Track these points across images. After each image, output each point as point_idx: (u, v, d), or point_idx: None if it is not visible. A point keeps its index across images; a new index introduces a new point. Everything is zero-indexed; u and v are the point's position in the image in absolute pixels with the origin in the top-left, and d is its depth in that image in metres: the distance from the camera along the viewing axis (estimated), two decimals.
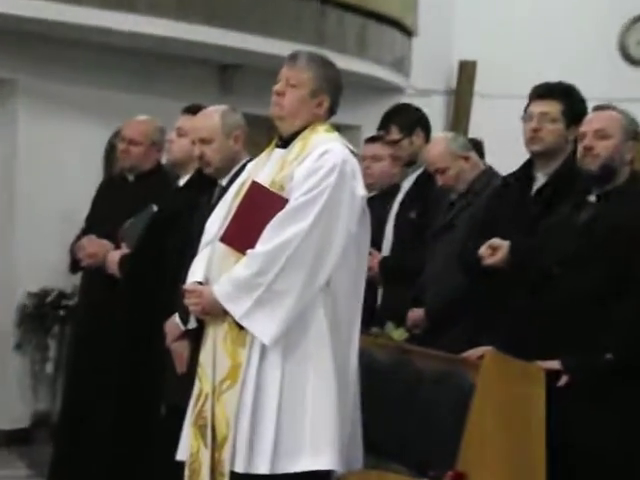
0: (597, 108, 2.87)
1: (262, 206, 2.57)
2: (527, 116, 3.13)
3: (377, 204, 4.13)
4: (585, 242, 2.72)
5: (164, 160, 4.08)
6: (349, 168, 2.60)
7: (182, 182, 3.79)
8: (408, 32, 6.90)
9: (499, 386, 2.65)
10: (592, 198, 2.82)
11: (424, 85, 7.09)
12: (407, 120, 3.93)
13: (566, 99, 3.06)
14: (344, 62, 5.82)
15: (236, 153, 3.32)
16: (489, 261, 3.02)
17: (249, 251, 2.55)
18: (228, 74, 6.04)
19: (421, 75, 7.13)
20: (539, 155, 3.08)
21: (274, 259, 2.50)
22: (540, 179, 3.09)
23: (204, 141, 3.30)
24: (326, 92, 2.71)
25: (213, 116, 3.32)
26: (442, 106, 7.32)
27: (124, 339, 3.76)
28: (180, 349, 3.16)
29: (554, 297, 2.72)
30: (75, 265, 4.09)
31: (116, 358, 3.76)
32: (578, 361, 2.65)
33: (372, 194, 4.26)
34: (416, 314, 3.61)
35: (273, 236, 2.52)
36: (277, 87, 2.69)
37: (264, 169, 2.72)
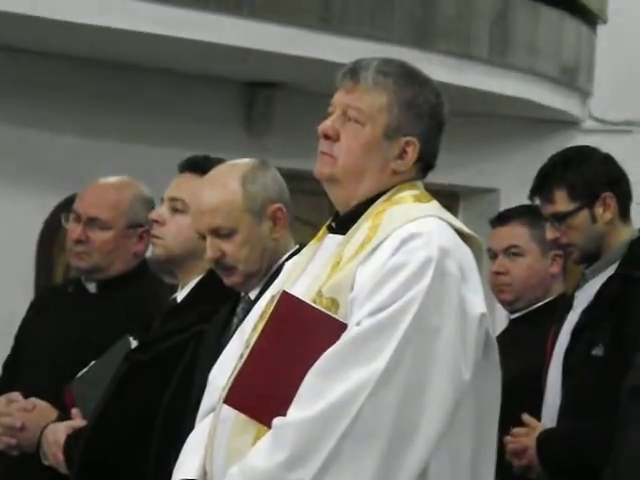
0: None
1: (298, 338, 2.60)
2: None
3: (527, 333, 4.22)
4: None
5: (149, 254, 4.13)
6: (455, 265, 2.63)
7: (180, 295, 3.83)
8: (590, 20, 7.07)
9: None
10: None
11: (617, 114, 7.22)
12: (586, 178, 3.97)
13: None
14: (468, 75, 6.25)
15: (277, 242, 3.37)
16: None
17: (276, 421, 2.56)
18: (261, 98, 6.20)
19: (612, 96, 7.23)
20: None
21: (320, 435, 2.51)
22: None
23: (220, 233, 3.33)
24: (414, 130, 2.76)
25: (228, 186, 3.35)
26: None
27: None
28: None
29: None
30: None
31: None
32: None
33: (516, 315, 4.27)
34: None
35: (318, 393, 2.53)
36: (325, 125, 2.76)
37: (306, 272, 2.77)
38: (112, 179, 4.19)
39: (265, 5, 5.52)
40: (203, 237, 3.37)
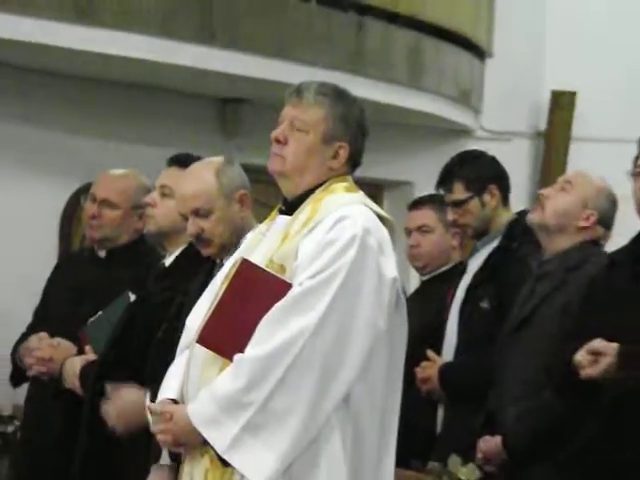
0: None
1: (254, 294, 2.57)
2: (637, 171, 3.08)
3: (434, 291, 4.19)
4: None
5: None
6: (374, 240, 2.60)
7: (168, 261, 3.76)
8: (480, 53, 7.04)
9: None
10: None
11: (501, 126, 7.21)
12: (477, 174, 4.00)
13: None
14: (390, 95, 6.23)
15: (244, 220, 3.31)
16: (589, 371, 2.96)
17: (236, 356, 2.54)
18: (231, 111, 6.18)
19: (497, 112, 7.23)
20: None
21: (270, 367, 2.49)
22: None
23: (199, 214, 3.27)
24: (345, 137, 2.73)
25: (205, 177, 3.29)
26: (527, 153, 7.38)
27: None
28: None
29: None
30: (19, 375, 4.09)
31: None
32: None
33: (426, 277, 4.26)
34: (490, 444, 3.54)
35: (269, 335, 2.51)
36: (277, 132, 2.72)
37: (262, 243, 2.73)
38: (120, 171, 4.13)
39: (233, 38, 5.48)
40: (186, 218, 3.31)
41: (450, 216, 4.02)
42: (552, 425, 3.28)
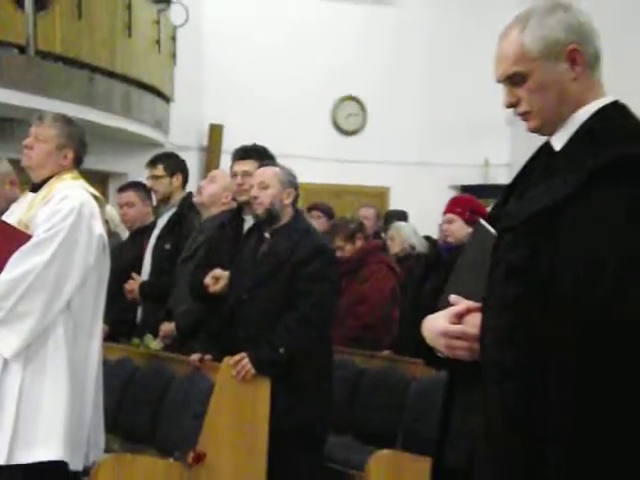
0: (262, 165, 2.97)
1: (8, 241, 2.43)
2: (233, 174, 3.16)
3: (137, 239, 4.04)
4: (262, 270, 2.85)
5: None
6: (87, 210, 2.52)
7: None
8: (166, 98, 6.98)
9: (233, 386, 2.76)
10: (267, 235, 2.93)
11: (181, 142, 7.09)
12: (172, 163, 3.87)
13: (259, 158, 3.12)
14: (112, 121, 6.02)
15: (14, 195, 3.01)
16: (213, 289, 3.00)
17: None
18: (8, 127, 5.67)
19: (178, 134, 7.17)
20: (246, 204, 3.11)
21: (16, 286, 2.38)
22: (249, 221, 3.12)
23: None
24: (70, 146, 2.61)
25: None
26: (196, 161, 7.34)
27: None
28: None
29: (246, 314, 2.82)
30: None
31: None
32: (260, 354, 2.77)
33: (134, 230, 4.11)
34: (167, 328, 3.52)
35: (15, 266, 2.40)
36: (26, 141, 2.59)
37: (17, 210, 2.60)
38: None
39: (13, 81, 5.05)
40: None
41: (149, 183, 3.85)
42: (200, 317, 3.31)
